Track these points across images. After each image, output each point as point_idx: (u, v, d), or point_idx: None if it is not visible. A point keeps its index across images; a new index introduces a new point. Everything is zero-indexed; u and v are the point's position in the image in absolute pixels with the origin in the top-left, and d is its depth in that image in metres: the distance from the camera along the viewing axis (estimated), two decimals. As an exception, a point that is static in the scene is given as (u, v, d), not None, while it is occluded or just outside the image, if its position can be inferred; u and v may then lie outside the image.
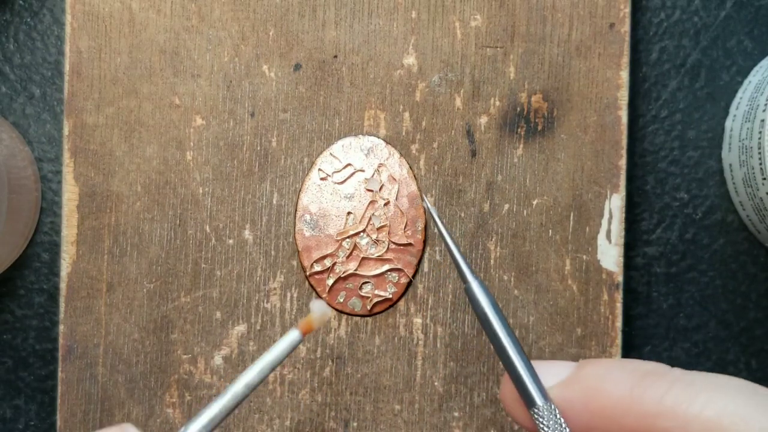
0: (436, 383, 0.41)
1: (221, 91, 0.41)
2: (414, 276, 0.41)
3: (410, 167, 0.40)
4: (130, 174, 0.40)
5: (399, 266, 0.40)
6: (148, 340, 0.40)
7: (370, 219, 0.40)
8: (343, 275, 0.40)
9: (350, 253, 0.40)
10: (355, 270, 0.40)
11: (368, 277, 0.40)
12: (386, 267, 0.40)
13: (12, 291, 0.43)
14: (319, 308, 0.31)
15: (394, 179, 0.40)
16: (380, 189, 0.40)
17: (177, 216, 0.41)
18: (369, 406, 0.41)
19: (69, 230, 0.40)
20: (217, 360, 0.41)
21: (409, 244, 0.40)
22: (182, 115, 0.40)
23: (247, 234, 0.41)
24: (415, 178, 0.40)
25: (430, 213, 0.33)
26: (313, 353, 0.41)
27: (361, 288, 0.40)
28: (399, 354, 0.41)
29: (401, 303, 0.41)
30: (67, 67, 0.40)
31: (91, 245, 0.40)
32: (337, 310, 0.40)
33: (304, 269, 0.40)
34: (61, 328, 0.40)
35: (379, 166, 0.40)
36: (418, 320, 0.41)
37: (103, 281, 0.40)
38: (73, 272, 0.40)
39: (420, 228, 0.40)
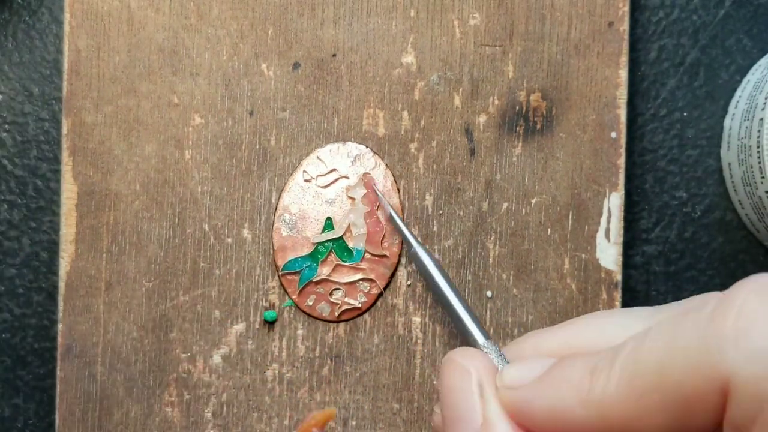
0: (434, 382, 0.41)
1: (220, 89, 0.41)
2: (385, 288, 0.40)
3: (395, 180, 0.40)
4: (129, 173, 0.40)
5: (372, 277, 0.40)
6: (146, 339, 0.40)
7: (349, 227, 0.40)
8: (315, 279, 0.40)
9: (325, 258, 0.40)
10: (328, 275, 0.40)
11: (340, 284, 0.40)
12: (359, 276, 0.40)
13: (11, 290, 0.43)
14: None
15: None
16: (362, 198, 0.40)
17: (176, 215, 0.41)
18: (368, 404, 0.41)
19: (68, 229, 0.40)
20: (216, 359, 0.41)
21: (384, 256, 0.40)
22: (181, 114, 0.40)
23: (246, 233, 0.41)
24: (398, 191, 0.40)
25: (378, 195, 0.39)
26: (312, 352, 0.41)
27: (331, 294, 0.40)
28: (398, 352, 0.41)
29: (399, 301, 0.41)
30: (65, 66, 0.40)
31: (90, 244, 0.40)
32: (304, 312, 0.40)
33: (276, 268, 0.40)
34: (60, 326, 0.40)
35: (363, 175, 0.40)
36: (416, 319, 0.41)
37: (101, 280, 0.40)
38: (71, 271, 0.40)
39: (397, 241, 0.40)
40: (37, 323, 0.43)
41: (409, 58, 0.41)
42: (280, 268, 0.40)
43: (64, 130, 0.40)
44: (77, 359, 0.40)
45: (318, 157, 0.40)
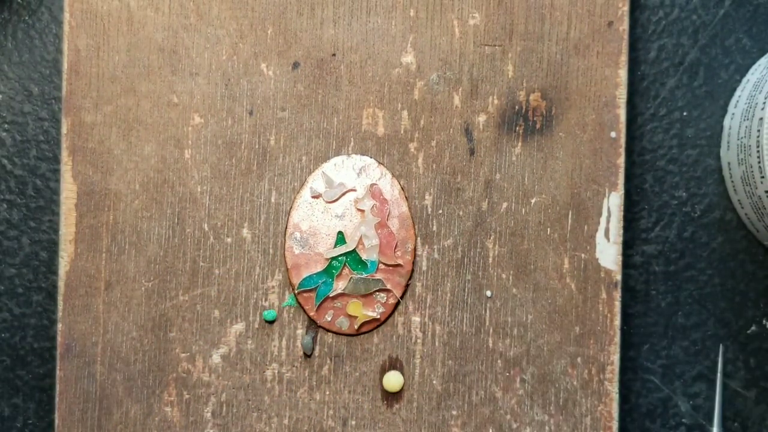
0: (434, 382, 0.41)
1: (219, 89, 0.41)
2: (402, 297, 0.40)
3: (402, 188, 0.40)
4: (129, 172, 0.40)
5: (388, 287, 0.40)
6: (146, 339, 0.40)
7: (360, 239, 0.40)
8: (331, 294, 0.40)
9: (339, 273, 0.40)
10: (344, 289, 0.40)
11: (357, 296, 0.40)
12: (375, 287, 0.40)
13: (10, 289, 0.43)
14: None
15: (386, 200, 0.40)
16: (371, 209, 0.40)
17: (175, 214, 0.41)
18: (367, 404, 0.41)
19: (67, 228, 0.40)
20: (216, 358, 0.41)
21: (399, 265, 0.40)
22: (180, 114, 0.40)
23: (246, 232, 0.41)
24: (407, 199, 0.40)
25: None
26: (312, 351, 0.41)
27: (348, 307, 0.40)
28: (397, 352, 0.41)
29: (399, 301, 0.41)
30: (65, 66, 0.40)
31: (90, 244, 0.40)
32: (324, 328, 0.40)
33: (292, 286, 0.40)
34: (60, 326, 0.40)
35: (371, 186, 0.40)
36: (416, 319, 0.41)
37: (101, 280, 0.40)
38: (71, 271, 0.40)
39: (410, 249, 0.40)
40: (36, 323, 0.43)
41: (408, 58, 0.41)
42: (296, 287, 0.40)
43: (64, 129, 0.40)
44: (77, 359, 0.40)
45: (323, 173, 0.40)
